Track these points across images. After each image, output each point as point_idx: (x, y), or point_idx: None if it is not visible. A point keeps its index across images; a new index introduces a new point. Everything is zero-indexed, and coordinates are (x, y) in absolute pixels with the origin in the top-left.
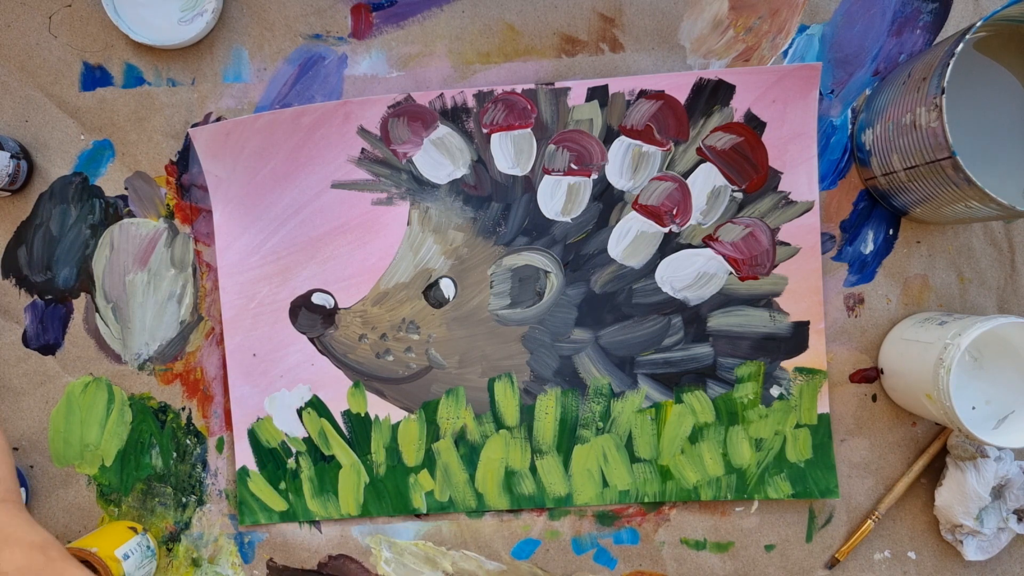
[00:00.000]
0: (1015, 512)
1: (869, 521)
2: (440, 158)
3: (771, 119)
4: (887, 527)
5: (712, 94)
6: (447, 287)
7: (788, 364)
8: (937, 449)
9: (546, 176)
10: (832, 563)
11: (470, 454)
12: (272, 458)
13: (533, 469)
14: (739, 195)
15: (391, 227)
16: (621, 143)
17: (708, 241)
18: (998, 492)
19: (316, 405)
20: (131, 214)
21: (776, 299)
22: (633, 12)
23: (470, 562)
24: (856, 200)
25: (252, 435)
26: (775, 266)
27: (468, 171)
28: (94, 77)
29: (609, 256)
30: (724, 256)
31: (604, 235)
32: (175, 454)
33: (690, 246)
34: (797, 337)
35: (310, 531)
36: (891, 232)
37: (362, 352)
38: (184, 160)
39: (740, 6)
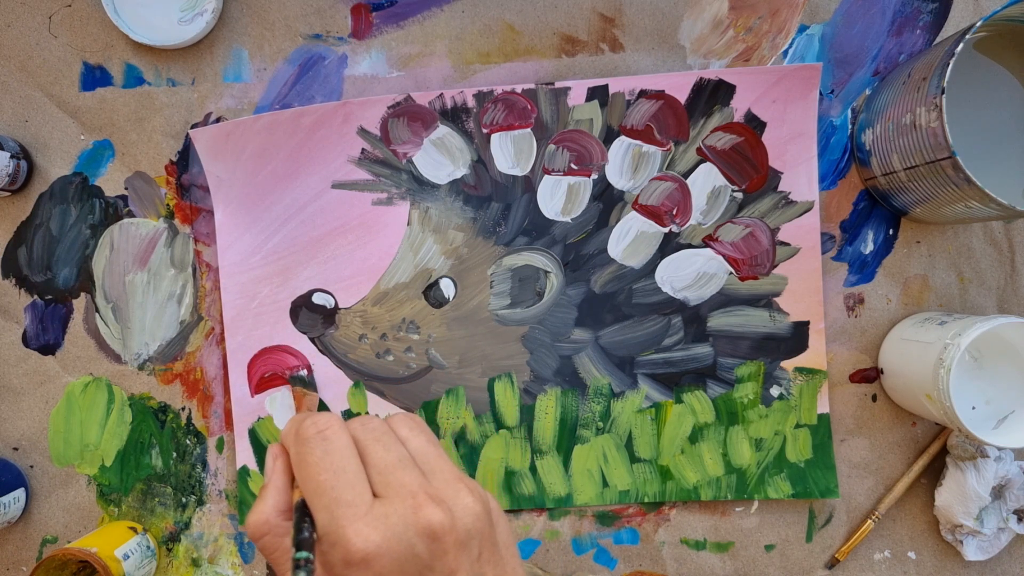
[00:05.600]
0: (1015, 512)
1: (869, 521)
2: (440, 158)
3: (771, 119)
4: (887, 527)
5: (712, 94)
6: (447, 287)
7: (788, 364)
8: (937, 449)
9: (546, 176)
10: (832, 563)
11: (470, 454)
12: None
13: (533, 469)
14: (739, 195)
15: (391, 227)
16: (621, 143)
17: (708, 241)
18: (998, 492)
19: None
20: (131, 214)
21: (776, 299)
22: (633, 12)
23: None
24: (856, 200)
25: (253, 434)
26: (775, 266)
27: (468, 171)
28: (94, 77)
29: (609, 256)
30: (724, 256)
31: (604, 235)
32: (175, 454)
33: (690, 246)
34: (797, 337)
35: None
36: (891, 232)
37: (362, 352)
38: (184, 160)
39: (740, 6)
